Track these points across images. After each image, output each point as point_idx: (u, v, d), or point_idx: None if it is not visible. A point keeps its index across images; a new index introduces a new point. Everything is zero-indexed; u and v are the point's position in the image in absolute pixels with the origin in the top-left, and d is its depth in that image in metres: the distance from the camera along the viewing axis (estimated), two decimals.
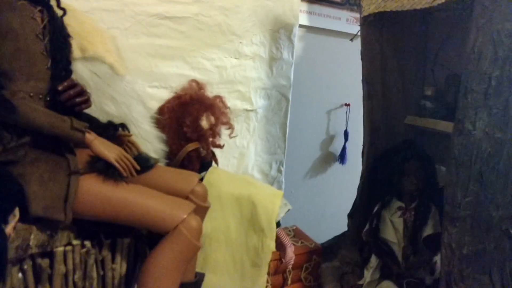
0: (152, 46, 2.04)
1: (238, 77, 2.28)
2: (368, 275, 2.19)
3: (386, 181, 2.26)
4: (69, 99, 1.35)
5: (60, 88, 1.33)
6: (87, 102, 1.41)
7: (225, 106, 2.15)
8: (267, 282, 2.06)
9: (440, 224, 2.21)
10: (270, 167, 2.47)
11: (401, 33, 2.32)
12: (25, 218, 1.24)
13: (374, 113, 2.36)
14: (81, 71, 1.68)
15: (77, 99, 1.37)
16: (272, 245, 1.89)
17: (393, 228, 2.23)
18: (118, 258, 1.43)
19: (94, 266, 1.39)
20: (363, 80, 2.36)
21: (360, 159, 2.79)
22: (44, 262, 1.30)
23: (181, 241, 1.30)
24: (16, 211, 1.22)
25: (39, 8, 1.37)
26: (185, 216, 1.31)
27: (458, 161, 1.65)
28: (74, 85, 1.37)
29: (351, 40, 2.31)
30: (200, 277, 1.55)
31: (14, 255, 1.21)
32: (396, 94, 2.38)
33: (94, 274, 1.39)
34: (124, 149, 1.56)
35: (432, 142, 2.36)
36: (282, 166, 2.50)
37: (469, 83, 1.60)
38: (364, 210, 2.38)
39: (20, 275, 1.27)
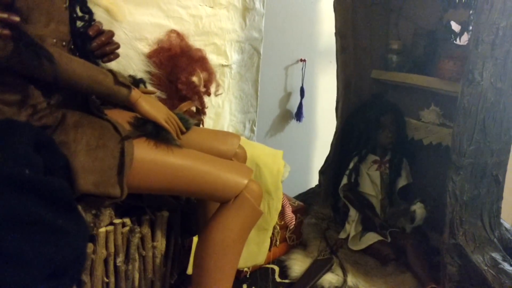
0: None
1: (214, 28, 2.07)
2: (351, 229, 2.23)
3: (361, 136, 2.29)
4: (100, 47, 1.08)
5: (91, 32, 1.05)
6: (116, 52, 1.15)
7: (208, 60, 1.95)
8: None
9: (411, 175, 2.33)
10: (244, 127, 2.34)
11: None
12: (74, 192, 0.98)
13: (347, 67, 2.34)
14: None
15: (107, 48, 1.10)
16: (279, 207, 1.81)
17: (370, 182, 2.28)
18: (158, 235, 1.23)
19: (135, 247, 1.17)
20: (336, 33, 2.32)
21: (316, 116, 2.80)
22: (89, 247, 1.05)
23: (246, 208, 1.15)
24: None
25: None
26: (246, 181, 1.16)
27: (467, 111, 1.70)
28: (102, 31, 1.10)
29: None
30: None
31: None
32: (364, 48, 2.38)
33: (137, 256, 1.18)
34: None
35: (398, 95, 2.43)
36: (255, 125, 2.39)
37: (480, 33, 1.64)
38: (338, 166, 2.40)
39: None
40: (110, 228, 1.10)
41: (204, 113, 1.82)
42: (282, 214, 2.00)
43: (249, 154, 1.77)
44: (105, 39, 1.09)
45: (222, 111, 2.20)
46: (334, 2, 2.26)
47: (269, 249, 2.15)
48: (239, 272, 2.04)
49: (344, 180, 2.30)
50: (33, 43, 0.89)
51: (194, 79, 1.76)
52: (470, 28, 2.04)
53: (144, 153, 1.05)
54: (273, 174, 1.79)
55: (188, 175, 1.10)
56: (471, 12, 2.10)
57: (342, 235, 2.27)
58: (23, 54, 0.88)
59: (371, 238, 2.15)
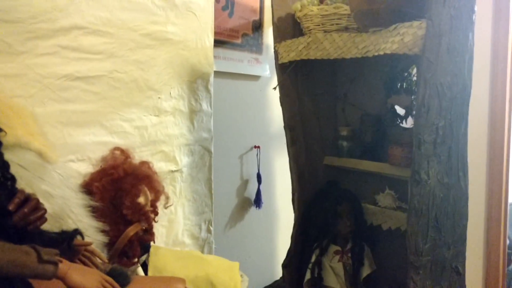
0: (64, 113, 1.71)
1: (161, 136, 2.05)
2: None
3: (320, 227, 2.26)
4: (23, 219, 1.01)
5: (10, 207, 0.99)
6: (42, 217, 1.08)
7: (155, 172, 1.90)
8: None
9: (374, 263, 2.30)
10: (200, 228, 2.27)
11: (312, 76, 2.36)
12: None
13: (298, 158, 2.35)
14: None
15: (32, 217, 1.03)
16: None
17: (334, 274, 2.23)
18: None
19: None
20: (285, 127, 2.33)
21: (276, 201, 2.77)
22: None
23: None
24: None
25: None
26: None
27: (418, 211, 1.70)
28: (26, 198, 1.04)
29: (274, 88, 2.26)
30: None
31: None
32: (314, 137, 2.40)
33: None
34: (82, 262, 1.25)
35: (352, 181, 2.43)
36: (211, 225, 2.33)
37: (421, 135, 1.66)
38: (300, 258, 2.34)
39: None
40: None
41: (152, 234, 1.75)
42: None
43: (204, 273, 1.70)
44: (27, 211, 1.03)
45: (175, 217, 2.14)
46: (280, 97, 2.28)
47: None
48: None
49: (308, 275, 2.25)
50: None
51: (140, 200, 1.70)
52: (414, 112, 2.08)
53: None
54: None
55: None
56: (413, 97, 2.16)
57: None
58: None
59: None
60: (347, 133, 2.37)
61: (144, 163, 1.87)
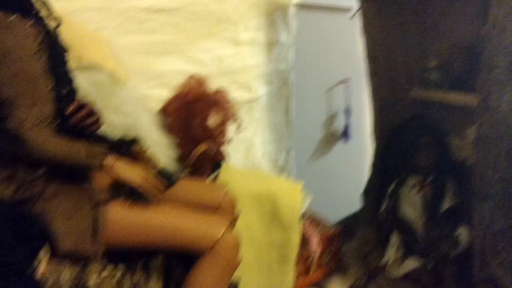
0: (145, 44, 1.91)
1: (237, 67, 2.17)
2: (390, 254, 2.17)
3: (400, 158, 2.22)
4: (78, 123, 1.23)
5: (67, 112, 1.21)
6: (97, 123, 1.29)
7: (228, 100, 2.04)
8: None
9: (456, 196, 2.20)
10: (278, 156, 2.40)
11: (399, 5, 2.23)
12: (55, 253, 1.14)
13: (379, 90, 2.29)
14: (80, 82, 1.53)
15: (87, 122, 1.25)
16: (297, 240, 1.84)
17: (411, 205, 2.20)
18: (153, 278, 1.35)
19: None
20: (365, 57, 2.28)
21: (365, 134, 2.73)
22: None
23: (220, 261, 1.23)
24: (45, 250, 1.12)
25: (30, 22, 1.21)
26: (219, 234, 1.23)
27: (487, 139, 1.60)
28: (82, 106, 1.25)
29: (352, 17, 2.21)
30: (235, 285, 1.49)
31: None
32: (400, 68, 2.31)
33: None
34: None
35: (440, 114, 2.31)
36: (290, 153, 2.43)
37: (493, 58, 1.53)
38: (379, 188, 2.34)
39: None
40: (104, 273, 1.24)
41: (220, 154, 1.92)
42: (307, 245, 2.03)
43: (265, 191, 1.84)
44: (82, 116, 1.24)
45: (252, 144, 2.28)
46: (362, 26, 2.23)
47: (306, 276, 2.19)
48: None
49: (384, 204, 2.25)
50: (7, 131, 1.06)
51: (209, 123, 1.86)
52: None
53: (118, 215, 1.18)
54: (289, 208, 1.83)
55: (162, 232, 1.20)
56: None
57: (383, 261, 2.22)
58: (5, 140, 1.06)
59: (411, 264, 2.08)
60: (435, 64, 2.23)
61: (218, 91, 2.02)
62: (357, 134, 2.78)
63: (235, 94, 2.16)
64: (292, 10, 2.28)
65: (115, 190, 1.22)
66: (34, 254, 1.08)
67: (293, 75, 2.36)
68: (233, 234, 1.27)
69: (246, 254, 1.85)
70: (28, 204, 1.13)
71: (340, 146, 2.83)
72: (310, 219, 2.37)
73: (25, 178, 1.13)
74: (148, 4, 1.89)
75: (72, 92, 1.30)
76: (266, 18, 2.20)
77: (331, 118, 2.77)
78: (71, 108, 1.22)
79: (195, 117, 1.83)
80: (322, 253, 2.22)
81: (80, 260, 1.17)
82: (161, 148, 1.75)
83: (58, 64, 1.26)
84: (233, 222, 1.47)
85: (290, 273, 1.87)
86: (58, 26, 1.34)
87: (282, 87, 2.34)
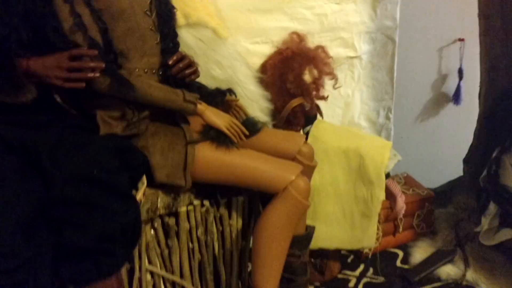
0: (251, 2, 2.02)
1: (340, 23, 2.19)
2: (486, 222, 2.10)
3: (506, 125, 2.10)
4: (179, 72, 1.43)
5: (170, 62, 1.41)
6: (195, 73, 1.48)
7: (328, 56, 2.10)
8: (378, 229, 2.08)
9: None
10: (378, 114, 2.40)
11: None
12: (152, 184, 1.38)
13: (492, 49, 2.15)
14: (185, 37, 1.74)
15: (186, 71, 1.44)
16: (381, 196, 1.89)
17: None
18: (234, 215, 1.55)
19: (214, 222, 1.52)
20: (479, 14, 2.14)
21: (477, 98, 2.59)
22: (171, 221, 1.45)
23: (290, 201, 1.36)
24: (144, 179, 1.36)
25: None
26: (293, 177, 1.36)
27: None
28: (182, 57, 1.44)
29: None
30: (310, 230, 1.61)
31: (145, 216, 1.37)
32: None
33: (214, 229, 1.53)
34: (233, 114, 1.63)
35: None
36: (391, 112, 2.42)
37: None
38: (482, 155, 2.25)
39: (152, 232, 1.44)
40: (191, 207, 1.47)
41: (314, 109, 2.00)
42: (393, 203, 2.06)
43: (355, 146, 1.91)
44: (182, 66, 1.42)
45: (352, 100, 2.32)
46: None
47: (394, 235, 2.24)
48: (360, 253, 2.20)
49: (485, 171, 2.17)
50: (120, 78, 1.29)
51: (304, 77, 1.96)
52: None
53: (206, 153, 1.37)
54: (376, 165, 1.88)
55: (240, 171, 1.37)
56: None
57: (478, 228, 2.17)
58: (115, 86, 1.29)
59: (506, 234, 2.01)
60: None
61: (318, 47, 2.09)
62: (468, 98, 2.63)
63: (337, 50, 2.20)
64: None
65: (204, 133, 1.40)
66: (136, 181, 1.33)
67: (397, 33, 2.31)
68: (305, 179, 1.39)
69: (331, 205, 1.96)
70: (134, 139, 1.38)
71: (449, 108, 2.71)
72: (401, 179, 2.38)
73: (133, 118, 1.37)
74: None
75: (176, 46, 1.50)
76: None
77: (441, 79, 2.66)
78: (173, 58, 1.41)
79: (291, 72, 1.94)
80: (412, 214, 2.24)
81: (173, 189, 1.40)
82: (256, 100, 1.91)
83: (165, 21, 1.46)
84: (311, 169, 1.58)
85: (372, 228, 1.94)
86: None
87: (387, 44, 2.31)
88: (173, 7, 1.55)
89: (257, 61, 2.05)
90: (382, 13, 2.25)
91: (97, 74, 1.24)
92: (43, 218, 1.10)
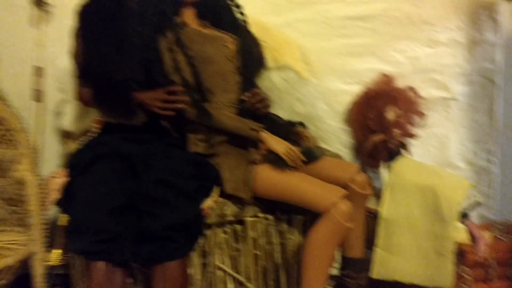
0: (343, 46, 2.27)
1: (433, 65, 2.28)
2: None
3: None
4: (252, 106, 1.74)
5: (244, 98, 1.74)
6: (266, 107, 1.78)
7: (417, 96, 2.20)
8: (466, 273, 2.05)
9: None
10: (476, 156, 2.37)
11: None
12: (223, 194, 1.70)
13: None
14: (274, 78, 2.07)
15: (258, 105, 1.75)
16: (454, 236, 1.89)
17: None
18: (294, 231, 1.77)
19: (275, 235, 1.77)
20: None
21: None
22: (239, 228, 1.74)
23: (331, 221, 1.54)
24: (216, 189, 1.69)
25: (232, 36, 1.80)
26: (335, 200, 1.54)
27: None
28: (255, 94, 1.75)
29: None
30: (368, 256, 1.74)
31: (216, 219, 1.68)
32: None
33: (275, 241, 1.77)
34: (301, 143, 1.87)
35: None
36: (494, 156, 2.36)
37: None
38: None
39: (223, 235, 1.74)
40: (256, 219, 1.74)
41: (397, 146, 2.11)
42: (475, 246, 2.03)
43: (432, 184, 1.98)
44: (254, 101, 1.73)
45: (447, 140, 2.35)
46: None
47: (485, 282, 2.18)
48: None
49: None
50: (202, 109, 1.66)
51: (387, 115, 2.10)
52: None
53: (263, 173, 1.64)
54: (450, 204, 1.92)
55: (291, 190, 1.60)
56: None
57: None
58: (198, 115, 1.66)
59: None
60: None
61: (407, 88, 2.21)
62: None
63: (429, 91, 2.29)
64: (502, 7, 2.21)
65: (266, 156, 1.68)
66: (208, 189, 1.66)
67: (501, 75, 2.28)
68: (347, 203, 1.55)
69: (406, 238, 2.03)
70: (212, 157, 1.72)
71: None
72: (500, 225, 2.28)
73: (211, 140, 1.72)
74: (347, 13, 2.25)
75: (252, 84, 1.82)
76: (468, 17, 2.23)
77: None
78: (247, 95, 1.74)
79: (372, 110, 2.10)
80: (507, 264, 2.14)
81: (238, 200, 1.70)
82: (336, 134, 2.12)
83: (245, 66, 1.80)
84: (363, 197, 1.73)
85: (446, 268, 1.93)
86: (253, 39, 1.88)
87: (486, 86, 2.30)
88: (253, 55, 1.88)
89: (348, 99, 2.26)
90: (480, 55, 2.27)
91: (184, 106, 1.63)
92: (130, 208, 1.49)
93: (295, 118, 2.03)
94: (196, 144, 1.75)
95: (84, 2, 1.87)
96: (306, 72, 2.10)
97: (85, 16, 1.85)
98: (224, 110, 1.71)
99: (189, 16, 1.83)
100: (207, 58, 1.73)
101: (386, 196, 2.01)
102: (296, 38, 2.22)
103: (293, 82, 2.07)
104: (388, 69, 2.27)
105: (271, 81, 2.07)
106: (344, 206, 1.54)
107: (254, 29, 2.03)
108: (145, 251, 1.45)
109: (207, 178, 1.65)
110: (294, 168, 1.65)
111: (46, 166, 2.14)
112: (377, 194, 2.05)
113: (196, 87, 1.71)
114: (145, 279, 1.61)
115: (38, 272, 1.77)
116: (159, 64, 1.70)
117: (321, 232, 1.56)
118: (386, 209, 1.98)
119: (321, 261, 1.58)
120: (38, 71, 2.20)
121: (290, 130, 1.85)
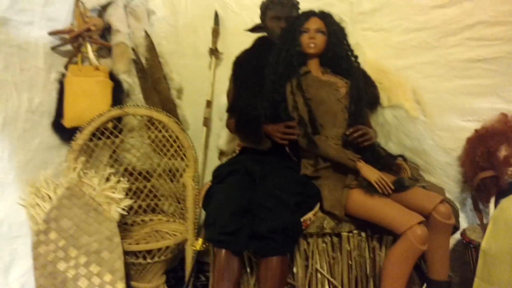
0: (465, 86, 2.43)
1: None
2: None
3: None
4: (354, 139, 2.09)
5: (347, 133, 2.10)
6: (368, 140, 2.09)
7: None
8: None
9: None
10: None
11: None
12: (323, 210, 2.10)
13: None
14: (386, 115, 2.38)
15: (360, 139, 2.08)
16: None
17: None
18: (383, 249, 2.05)
19: (366, 250, 2.07)
20: None
21: None
22: (336, 240, 2.10)
23: (406, 243, 1.80)
24: (317, 205, 2.09)
25: (344, 81, 2.19)
26: (412, 224, 1.79)
27: None
28: (358, 129, 2.09)
29: None
30: (452, 280, 1.92)
31: (315, 230, 2.07)
32: None
33: (367, 255, 2.07)
34: (399, 173, 2.13)
35: None
36: None
37: None
38: None
39: (322, 244, 2.12)
40: (350, 234, 2.07)
41: (501, 182, 2.18)
42: None
43: None
44: (356, 135, 2.06)
45: None
46: None
47: None
48: None
49: None
50: (311, 139, 2.08)
51: (499, 154, 2.19)
52: None
53: (355, 196, 1.97)
54: None
55: (376, 212, 1.89)
56: None
57: None
58: (307, 144, 2.10)
59: None
60: None
61: None
62: None
63: None
64: None
65: (360, 182, 2.01)
66: (312, 205, 2.07)
67: None
68: (423, 229, 1.79)
69: (507, 274, 2.09)
70: (316, 179, 2.13)
71: None
72: None
73: (318, 165, 2.13)
74: (470, 56, 2.40)
75: (358, 120, 2.16)
76: None
77: None
78: (350, 130, 2.10)
79: (483, 147, 2.22)
80: None
81: (334, 217, 2.06)
82: (441, 167, 2.29)
83: (354, 105, 2.16)
84: (447, 227, 1.90)
85: None
86: (369, 81, 2.24)
87: None
88: (367, 96, 2.22)
89: (467, 136, 2.40)
90: None
91: (296, 137, 2.09)
92: (247, 212, 1.99)
93: (403, 151, 2.29)
94: (306, 168, 2.18)
95: (238, 54, 2.50)
96: (416, 111, 2.33)
97: (238, 65, 2.48)
98: (330, 142, 2.11)
99: (313, 64, 2.27)
100: (321, 100, 2.15)
101: (489, 229, 2.11)
102: (417, 79, 2.47)
103: (403, 119, 2.33)
104: (510, 108, 2.34)
105: (383, 117, 2.38)
106: (420, 231, 1.79)
107: (372, 72, 2.37)
108: (254, 246, 1.94)
109: (309, 195, 2.07)
110: (383, 194, 1.95)
111: (208, 175, 2.83)
112: (485, 228, 2.16)
113: (309, 122, 2.14)
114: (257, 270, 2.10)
115: (189, 254, 2.42)
116: (283, 104, 2.19)
117: (397, 252, 1.83)
118: (486, 241, 2.08)
119: (397, 277, 1.85)
120: (208, 103, 2.93)
121: (390, 162, 2.13)
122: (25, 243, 2.21)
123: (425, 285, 2.05)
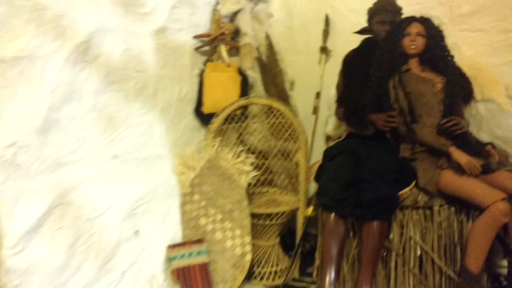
0: None
1: None
2: None
3: None
4: (447, 128, 2.44)
5: (441, 122, 2.45)
6: (460, 129, 2.41)
7: None
8: None
9: None
10: None
11: None
12: (417, 187, 2.49)
13: None
14: (479, 107, 2.68)
15: (452, 128, 2.42)
16: None
17: None
18: (470, 221, 2.40)
19: (455, 222, 2.43)
20: None
21: None
22: (428, 212, 2.48)
23: (490, 215, 2.14)
24: (413, 182, 2.48)
25: (440, 77, 2.54)
26: (495, 200, 2.13)
27: None
28: (451, 120, 2.43)
29: None
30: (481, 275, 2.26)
31: (410, 203, 2.46)
32: None
33: (455, 227, 2.43)
34: (488, 158, 2.44)
35: None
36: None
37: None
38: None
39: (416, 216, 2.51)
40: (441, 208, 2.43)
41: None
42: None
43: None
44: (449, 125, 2.38)
45: None
46: None
47: None
48: None
49: None
50: (409, 127, 2.47)
51: None
52: None
53: (446, 175, 2.33)
54: None
55: (464, 189, 2.25)
56: None
57: None
58: (406, 131, 2.49)
59: None
60: None
61: None
62: None
63: None
64: None
65: (451, 164, 2.37)
66: (409, 182, 2.47)
67: None
68: (505, 203, 2.12)
69: None
70: (413, 161, 2.52)
71: None
72: None
73: (415, 149, 2.52)
74: None
75: (453, 111, 2.50)
76: None
77: None
78: (444, 120, 2.45)
79: None
80: None
81: (427, 193, 2.44)
82: None
83: (449, 98, 2.51)
84: None
85: None
86: (464, 78, 2.57)
87: None
88: (461, 91, 2.55)
89: None
90: None
91: (396, 125, 2.50)
92: (354, 185, 2.43)
93: (494, 140, 2.59)
94: (405, 151, 2.58)
95: (347, 53, 2.94)
96: (508, 105, 2.60)
97: (347, 62, 2.93)
98: (425, 129, 2.48)
99: (413, 63, 2.64)
100: (419, 94, 2.52)
101: None
102: (511, 75, 2.73)
103: (495, 112, 2.62)
104: None
105: (476, 109, 2.68)
106: (502, 205, 2.13)
107: (468, 69, 2.69)
108: (358, 212, 2.40)
109: (406, 173, 2.47)
110: (471, 175, 2.29)
111: (314, 156, 3.32)
112: None
113: (409, 113, 2.53)
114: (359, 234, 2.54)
115: (300, 220, 2.94)
116: (386, 97, 2.60)
117: (482, 222, 2.19)
118: None
119: (480, 243, 2.20)
120: (317, 95, 3.40)
121: (479, 148, 2.46)
122: (176, 202, 2.84)
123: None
